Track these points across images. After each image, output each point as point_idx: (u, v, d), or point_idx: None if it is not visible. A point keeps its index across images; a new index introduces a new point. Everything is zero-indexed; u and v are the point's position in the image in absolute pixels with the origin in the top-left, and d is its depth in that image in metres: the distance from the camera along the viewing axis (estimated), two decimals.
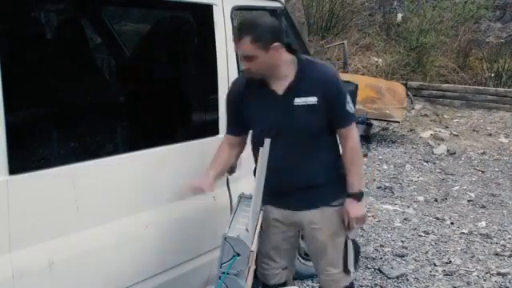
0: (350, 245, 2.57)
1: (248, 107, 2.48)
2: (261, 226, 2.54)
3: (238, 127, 2.55)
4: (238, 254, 2.18)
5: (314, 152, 2.46)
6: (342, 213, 2.52)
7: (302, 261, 3.58)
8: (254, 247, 2.26)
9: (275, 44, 2.30)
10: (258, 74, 2.39)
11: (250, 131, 2.57)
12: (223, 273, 2.18)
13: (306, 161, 2.45)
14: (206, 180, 2.43)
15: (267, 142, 2.28)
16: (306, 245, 2.83)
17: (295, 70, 2.40)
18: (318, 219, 2.53)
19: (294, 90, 2.38)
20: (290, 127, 2.39)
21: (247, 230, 2.25)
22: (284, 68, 2.39)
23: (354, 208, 2.48)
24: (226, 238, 2.19)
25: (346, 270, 2.58)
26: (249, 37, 2.27)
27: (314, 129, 2.41)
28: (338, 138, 2.54)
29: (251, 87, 2.45)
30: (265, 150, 2.28)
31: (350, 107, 2.45)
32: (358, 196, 2.49)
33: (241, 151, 2.62)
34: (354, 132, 2.48)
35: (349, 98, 2.45)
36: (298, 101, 2.37)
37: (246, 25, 2.33)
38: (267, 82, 2.41)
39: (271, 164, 2.30)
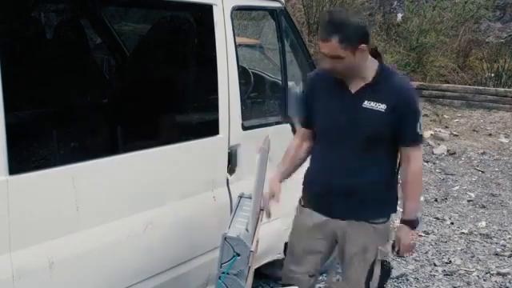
0: (378, 267, 2.46)
1: (318, 100, 2.44)
2: (296, 228, 2.55)
3: (310, 120, 2.50)
4: (238, 254, 2.18)
5: (370, 162, 2.36)
6: (379, 232, 2.44)
7: None
8: (254, 247, 2.26)
9: (362, 45, 2.22)
10: (340, 75, 2.34)
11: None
12: (223, 273, 2.18)
13: (360, 168, 2.36)
14: (275, 184, 2.45)
15: (267, 140, 2.28)
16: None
17: (374, 74, 2.33)
18: (353, 230, 2.44)
19: (367, 92, 2.32)
20: (352, 128, 2.32)
21: (247, 230, 2.25)
22: (365, 70, 2.32)
23: (407, 236, 2.43)
24: (225, 238, 2.19)
25: None
26: (337, 37, 2.18)
27: (373, 136, 2.32)
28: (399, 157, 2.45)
29: (326, 82, 2.40)
30: (265, 150, 2.28)
31: (420, 128, 2.34)
32: (414, 223, 2.43)
33: (313, 145, 2.54)
34: (418, 154, 2.39)
35: (421, 120, 2.36)
36: (367, 104, 2.30)
37: (334, 24, 2.21)
38: (344, 79, 2.36)
39: (325, 164, 2.29)
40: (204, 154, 2.74)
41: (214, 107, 2.75)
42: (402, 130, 2.32)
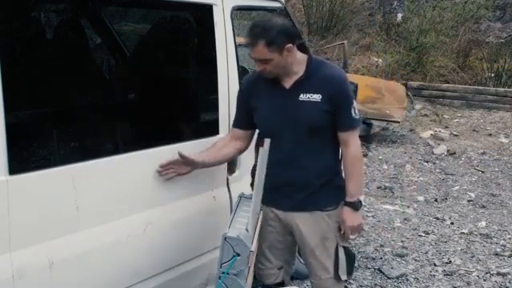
0: (342, 251, 2.54)
1: (256, 99, 2.52)
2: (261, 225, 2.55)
3: (243, 121, 2.58)
4: (238, 254, 2.18)
5: (314, 152, 2.45)
6: (333, 218, 2.51)
7: (301, 261, 3.57)
8: (254, 247, 2.26)
9: (288, 45, 2.33)
10: (273, 74, 2.43)
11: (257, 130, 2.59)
12: (223, 273, 2.18)
13: (305, 159, 2.45)
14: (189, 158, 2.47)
15: (267, 141, 2.29)
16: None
17: (304, 68, 2.43)
18: (307, 222, 2.52)
19: (301, 85, 2.42)
20: (293, 122, 2.41)
21: (247, 230, 2.25)
22: (295, 66, 2.42)
23: (351, 217, 2.48)
24: (226, 238, 2.19)
25: (337, 277, 2.55)
26: (262, 41, 2.29)
27: (314, 126, 2.41)
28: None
29: (261, 82, 2.49)
30: (265, 150, 2.28)
31: (354, 112, 2.44)
32: (356, 205, 2.48)
33: (243, 147, 2.62)
34: (355, 138, 2.47)
35: (355, 104, 2.45)
36: (303, 97, 2.40)
37: (258, 29, 2.32)
38: (277, 77, 2.45)
39: (274, 158, 2.33)
40: None
41: (214, 107, 2.75)
42: (338, 116, 2.42)
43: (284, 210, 2.54)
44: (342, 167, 2.56)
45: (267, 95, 2.49)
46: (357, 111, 2.45)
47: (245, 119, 2.57)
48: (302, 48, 2.47)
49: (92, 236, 2.24)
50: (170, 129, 2.79)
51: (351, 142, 2.46)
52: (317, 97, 2.39)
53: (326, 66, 2.49)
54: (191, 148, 2.62)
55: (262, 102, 2.50)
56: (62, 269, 2.11)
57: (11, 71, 1.93)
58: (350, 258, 2.58)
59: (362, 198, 2.48)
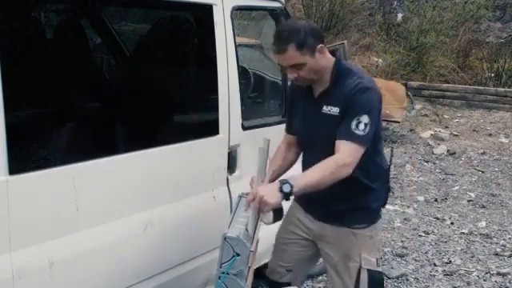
0: (365, 274, 2.40)
1: (294, 107, 2.48)
2: (285, 219, 2.49)
3: (291, 127, 2.54)
4: (238, 254, 2.17)
5: None
6: (360, 238, 2.41)
7: None
8: (253, 247, 2.26)
9: (319, 46, 2.22)
10: (306, 81, 2.32)
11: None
12: (223, 273, 2.18)
13: None
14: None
15: (266, 141, 2.27)
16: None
17: (330, 76, 2.30)
18: (333, 236, 2.44)
19: (326, 96, 2.30)
20: (319, 135, 2.31)
21: (247, 229, 2.24)
22: (327, 73, 2.30)
23: (269, 189, 2.14)
24: (225, 238, 2.18)
25: None
26: (292, 44, 2.17)
27: (334, 140, 2.25)
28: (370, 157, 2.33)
29: (299, 89, 2.41)
30: (263, 150, 2.28)
31: (357, 126, 2.19)
32: (285, 187, 2.11)
33: (301, 150, 2.54)
34: (347, 150, 2.19)
35: (367, 120, 2.19)
36: (325, 109, 2.28)
37: (285, 33, 2.21)
38: (311, 86, 2.36)
39: (309, 167, 2.25)
40: (204, 153, 2.74)
41: (214, 107, 2.75)
42: (341, 124, 2.23)
43: (317, 219, 2.48)
44: (374, 185, 2.39)
45: (301, 104, 2.41)
46: (362, 126, 2.19)
47: (292, 125, 2.52)
48: (330, 52, 2.34)
49: (92, 236, 2.24)
50: (169, 129, 2.79)
51: (341, 150, 2.20)
52: (335, 110, 2.25)
53: (351, 74, 2.29)
54: (191, 148, 2.62)
55: (297, 111, 2.44)
56: (62, 269, 2.11)
57: (11, 71, 1.93)
58: (375, 284, 2.41)
59: (296, 190, 2.13)
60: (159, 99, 2.73)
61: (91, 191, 2.23)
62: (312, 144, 2.33)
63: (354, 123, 2.19)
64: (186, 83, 2.94)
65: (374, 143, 2.32)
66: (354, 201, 2.38)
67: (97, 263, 2.27)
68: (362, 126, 2.20)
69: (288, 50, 2.18)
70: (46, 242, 2.08)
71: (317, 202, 2.43)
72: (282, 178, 2.27)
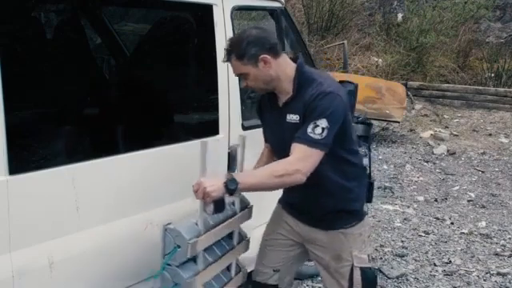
0: (358, 273, 2.41)
1: (263, 116, 2.50)
2: (270, 221, 2.58)
3: (265, 135, 2.55)
4: (179, 246, 2.18)
5: (314, 175, 2.21)
6: (349, 237, 2.42)
7: None
8: (199, 243, 2.23)
9: (262, 56, 2.20)
10: (260, 90, 2.35)
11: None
12: (166, 264, 2.20)
13: (306, 183, 2.23)
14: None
15: (203, 142, 2.24)
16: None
17: (292, 85, 2.28)
18: (322, 239, 2.45)
19: (289, 105, 2.29)
20: (284, 144, 2.25)
21: (197, 224, 2.24)
22: (285, 82, 2.28)
23: (212, 180, 2.10)
24: (166, 230, 2.20)
25: None
26: (234, 55, 2.22)
27: None
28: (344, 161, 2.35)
29: (267, 98, 2.42)
30: (204, 142, 2.24)
31: (313, 130, 2.14)
32: (230, 183, 2.08)
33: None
34: (300, 154, 2.14)
35: (325, 124, 2.14)
36: (289, 117, 2.27)
37: (229, 44, 2.25)
38: (277, 94, 2.36)
39: None
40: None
41: (214, 107, 2.75)
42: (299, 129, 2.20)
43: (302, 223, 2.50)
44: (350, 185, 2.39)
45: (269, 114, 2.43)
46: (319, 130, 2.14)
47: (265, 134, 2.53)
48: (293, 59, 2.32)
49: (92, 236, 2.24)
50: (169, 129, 2.79)
51: (295, 153, 2.15)
52: (296, 118, 2.23)
53: (314, 81, 2.25)
54: (191, 148, 2.62)
55: (267, 119, 2.46)
56: (62, 269, 2.11)
57: (11, 71, 1.93)
58: (368, 281, 2.42)
59: (241, 187, 2.11)
60: (159, 99, 2.73)
61: (91, 191, 2.23)
62: (282, 153, 2.27)
63: (310, 127, 2.15)
64: (185, 83, 2.94)
65: (345, 145, 2.33)
66: (334, 203, 2.38)
67: (97, 263, 2.27)
68: (318, 130, 2.15)
69: (231, 61, 2.24)
70: (46, 242, 2.08)
71: (299, 208, 2.48)
72: (232, 173, 2.27)
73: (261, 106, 2.52)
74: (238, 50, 2.21)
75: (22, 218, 1.99)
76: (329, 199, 2.37)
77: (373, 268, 2.49)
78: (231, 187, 2.09)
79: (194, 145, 2.67)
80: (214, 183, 2.10)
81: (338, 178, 2.34)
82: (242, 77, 2.30)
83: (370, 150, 2.75)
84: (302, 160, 2.14)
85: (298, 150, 2.15)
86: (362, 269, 2.42)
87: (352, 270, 2.41)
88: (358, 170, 2.45)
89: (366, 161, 2.56)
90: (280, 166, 2.19)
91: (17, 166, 1.95)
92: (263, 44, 2.21)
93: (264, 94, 2.43)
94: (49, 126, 2.41)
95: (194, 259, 2.28)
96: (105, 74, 3.54)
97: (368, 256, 2.45)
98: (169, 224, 2.22)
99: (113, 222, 2.33)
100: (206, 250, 2.33)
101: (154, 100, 2.70)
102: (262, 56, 2.20)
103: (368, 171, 2.59)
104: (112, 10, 3.83)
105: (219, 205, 2.19)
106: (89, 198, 2.21)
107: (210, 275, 2.37)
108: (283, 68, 2.27)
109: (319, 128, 2.15)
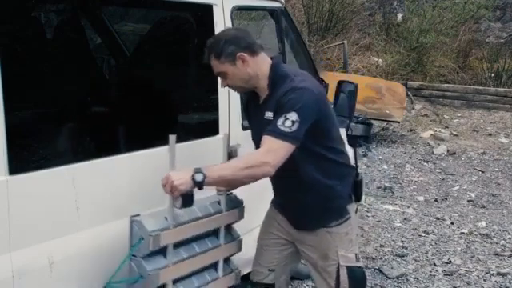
0: (344, 272, 2.41)
1: (248, 115, 2.53)
2: (263, 222, 2.61)
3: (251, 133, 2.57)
4: (143, 238, 2.18)
5: (296, 173, 2.28)
6: (335, 236, 2.42)
7: (302, 261, 3.57)
8: (164, 236, 2.21)
9: (239, 54, 2.22)
10: (240, 89, 2.38)
11: None
12: (131, 255, 2.20)
13: (288, 182, 2.32)
14: None
15: (171, 137, 2.24)
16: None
17: (267, 83, 2.30)
18: (311, 239, 2.47)
19: (266, 103, 2.31)
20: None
21: (166, 218, 2.24)
22: (262, 80, 2.30)
23: (180, 174, 2.11)
24: (132, 221, 2.20)
25: None
26: (212, 55, 2.24)
27: None
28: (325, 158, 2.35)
29: (251, 96, 2.44)
30: (172, 137, 2.24)
31: (283, 123, 2.13)
32: (196, 175, 2.08)
33: None
34: (269, 145, 2.14)
35: (295, 117, 2.13)
36: (266, 115, 2.27)
37: (208, 43, 2.26)
38: (258, 93, 2.38)
39: (273, 176, 2.25)
40: (204, 153, 2.73)
41: (213, 107, 2.75)
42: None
43: (292, 225, 2.53)
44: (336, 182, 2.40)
45: (253, 112, 2.47)
46: (288, 123, 2.13)
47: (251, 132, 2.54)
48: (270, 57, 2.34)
49: (92, 236, 2.24)
50: (170, 129, 2.79)
51: (264, 145, 2.16)
52: (270, 115, 2.23)
53: (287, 78, 2.26)
54: (191, 148, 2.62)
55: (250, 117, 2.51)
56: (62, 269, 2.11)
57: (11, 71, 1.93)
58: (356, 280, 2.43)
59: (209, 180, 2.10)
60: (159, 99, 2.73)
61: (91, 191, 2.23)
62: None
63: (280, 120, 2.15)
64: (186, 83, 2.94)
65: (323, 142, 2.32)
66: (313, 200, 2.38)
67: (97, 263, 2.26)
68: (288, 123, 2.14)
69: (210, 60, 2.25)
70: (46, 242, 2.08)
71: (287, 210, 2.51)
72: (201, 166, 2.18)
73: (247, 104, 2.56)
74: (215, 49, 2.23)
75: (21, 218, 1.99)
76: (308, 195, 2.37)
77: (361, 266, 2.50)
78: (198, 179, 2.07)
79: (194, 145, 2.68)
80: (182, 177, 2.09)
81: (319, 176, 2.34)
82: (221, 76, 2.31)
83: (355, 148, 2.77)
84: (270, 152, 2.14)
85: (267, 142, 2.16)
86: (349, 268, 2.42)
87: (338, 269, 2.42)
88: (343, 168, 2.44)
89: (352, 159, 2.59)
90: (248, 158, 2.20)
91: (17, 165, 1.95)
92: (240, 42, 2.24)
93: (250, 93, 2.45)
94: (49, 126, 2.41)
95: (163, 253, 2.25)
96: (105, 74, 3.55)
97: (355, 255, 2.45)
98: (136, 215, 2.22)
99: (113, 222, 2.33)
100: (180, 245, 2.31)
101: (154, 100, 2.70)
102: (239, 54, 2.22)
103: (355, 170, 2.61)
104: (112, 9, 3.83)
105: (187, 199, 2.17)
106: (89, 198, 2.21)
107: (184, 271, 2.33)
108: (261, 66, 2.29)
109: (289, 121, 2.14)
